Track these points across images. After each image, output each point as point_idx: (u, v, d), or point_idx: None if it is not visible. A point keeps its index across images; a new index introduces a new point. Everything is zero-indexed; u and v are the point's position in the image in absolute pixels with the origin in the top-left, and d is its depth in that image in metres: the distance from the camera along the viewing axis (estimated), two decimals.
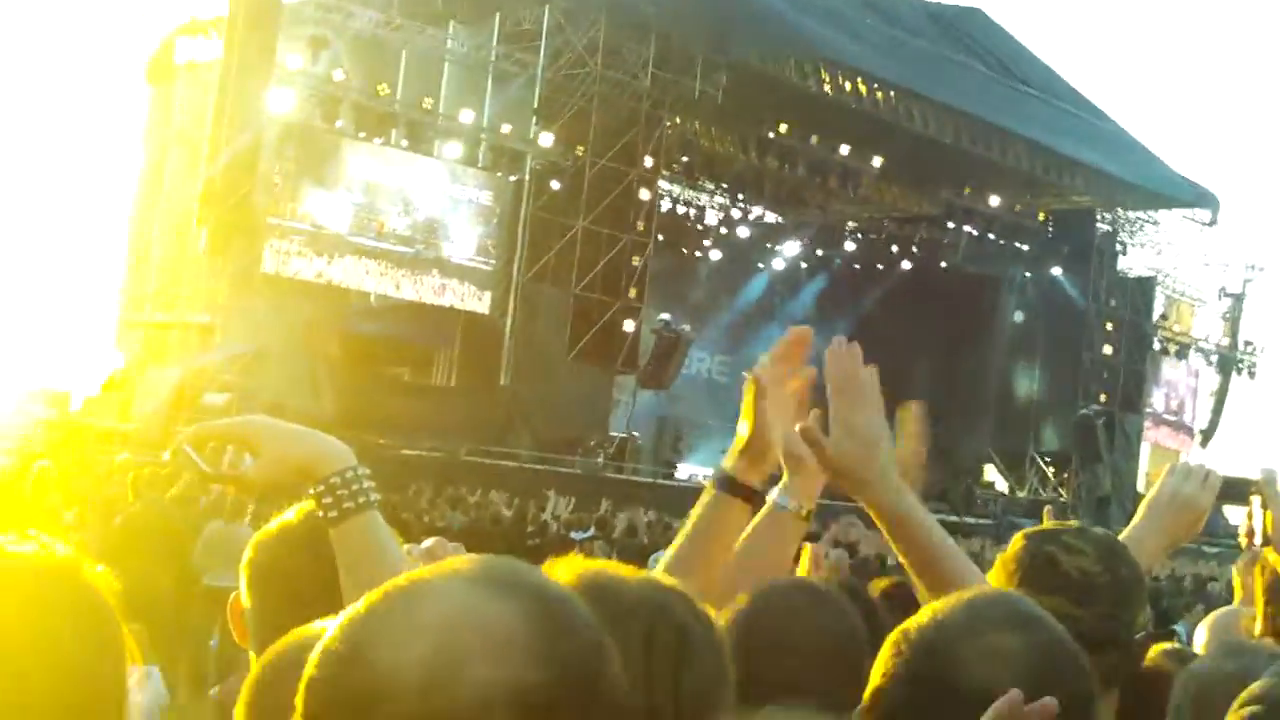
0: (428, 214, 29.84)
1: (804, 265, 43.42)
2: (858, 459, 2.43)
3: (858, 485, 2.45)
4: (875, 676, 1.87)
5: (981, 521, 31.28)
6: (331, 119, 28.53)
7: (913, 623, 1.89)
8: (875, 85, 34.58)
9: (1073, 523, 3.00)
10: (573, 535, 16.17)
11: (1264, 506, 3.06)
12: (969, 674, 1.80)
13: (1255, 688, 2.04)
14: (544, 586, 1.39)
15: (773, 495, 2.71)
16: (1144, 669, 3.13)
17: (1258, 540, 3.07)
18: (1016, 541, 2.71)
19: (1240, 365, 45.89)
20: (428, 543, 2.30)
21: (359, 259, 29.03)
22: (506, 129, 30.49)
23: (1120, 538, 3.02)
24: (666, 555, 2.63)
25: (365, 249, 29.07)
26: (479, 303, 30.75)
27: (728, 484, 2.59)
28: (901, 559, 2.49)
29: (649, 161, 32.19)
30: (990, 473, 38.45)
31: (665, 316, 33.46)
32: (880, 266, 43.10)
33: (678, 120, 34.10)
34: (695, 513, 2.61)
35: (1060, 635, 1.88)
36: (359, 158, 29.07)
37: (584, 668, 1.36)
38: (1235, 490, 3.16)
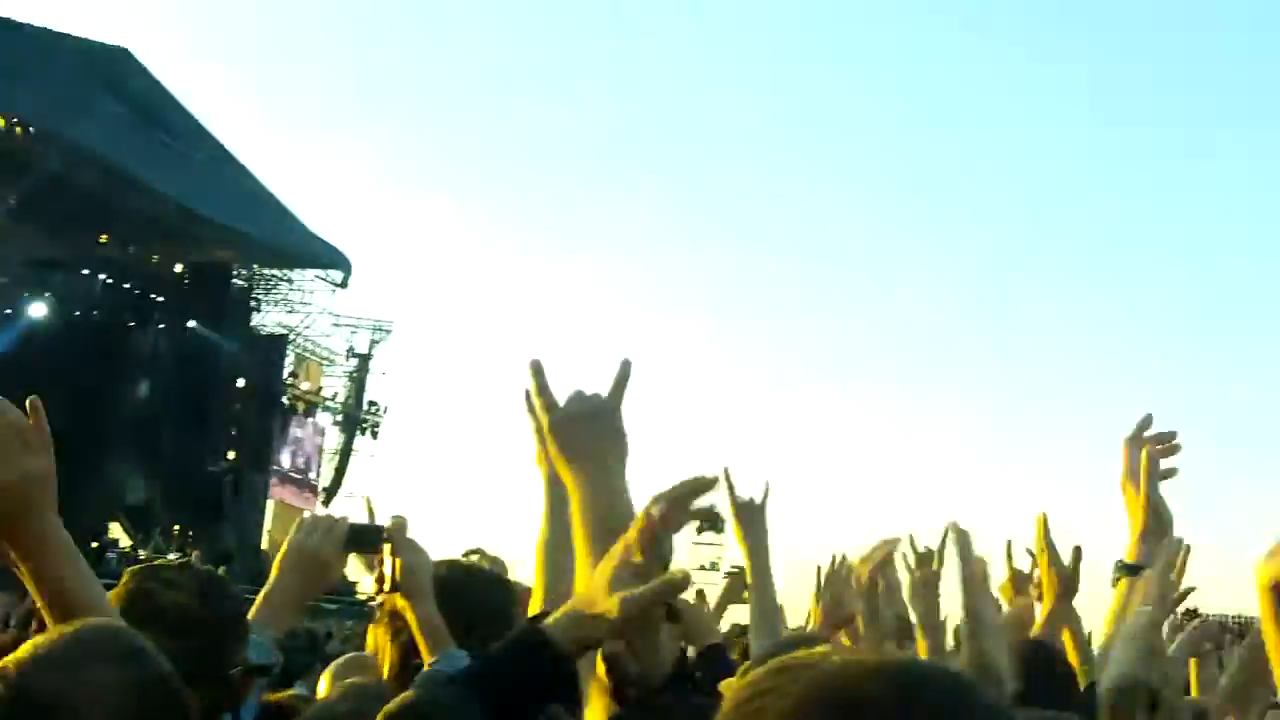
0: None
1: None
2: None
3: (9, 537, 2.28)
4: None
5: (107, 582, 30.12)
6: None
7: (13, 658, 1.84)
8: (14, 120, 33.02)
9: (180, 560, 3.05)
10: None
11: (393, 554, 3.10)
12: (66, 708, 1.77)
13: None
14: None
15: None
16: (276, 704, 3.24)
17: (387, 587, 3.09)
18: (124, 579, 2.78)
19: (364, 425, 47.55)
20: None
21: None
22: None
23: (261, 595, 3.10)
24: None
25: None
26: None
27: None
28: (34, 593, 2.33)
29: None
30: (116, 529, 37.29)
31: None
32: (9, 311, 40.68)
33: None
34: None
35: (161, 669, 1.89)
36: None
37: None
38: (365, 538, 3.19)
